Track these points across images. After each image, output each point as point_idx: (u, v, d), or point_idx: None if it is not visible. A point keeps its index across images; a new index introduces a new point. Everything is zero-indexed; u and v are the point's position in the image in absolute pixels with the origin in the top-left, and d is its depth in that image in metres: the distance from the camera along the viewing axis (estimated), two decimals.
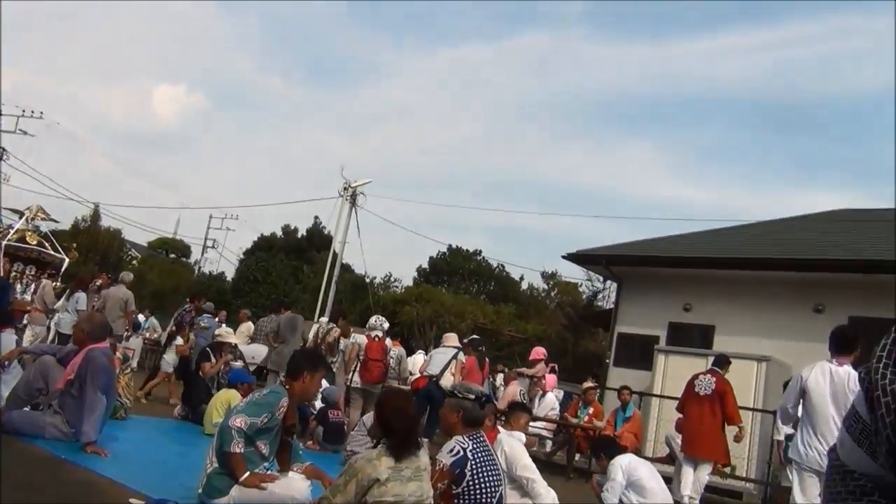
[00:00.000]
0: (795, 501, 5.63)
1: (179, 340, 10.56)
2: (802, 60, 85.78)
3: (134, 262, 40.06)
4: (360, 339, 9.79)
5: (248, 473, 4.21)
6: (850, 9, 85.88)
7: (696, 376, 9.02)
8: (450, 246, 42.82)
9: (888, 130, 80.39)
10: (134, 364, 12.55)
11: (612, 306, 17.52)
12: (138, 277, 35.26)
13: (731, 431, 8.76)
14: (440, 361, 9.11)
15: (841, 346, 5.77)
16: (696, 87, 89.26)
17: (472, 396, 4.51)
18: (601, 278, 27.88)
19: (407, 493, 3.47)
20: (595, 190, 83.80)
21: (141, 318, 16.03)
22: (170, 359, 10.55)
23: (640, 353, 14.47)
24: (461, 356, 9.32)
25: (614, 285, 17.42)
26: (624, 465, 5.90)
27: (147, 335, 15.08)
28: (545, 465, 11.38)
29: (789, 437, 6.34)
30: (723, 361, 9.12)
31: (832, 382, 5.62)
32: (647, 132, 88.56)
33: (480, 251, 43.70)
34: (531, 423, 11.49)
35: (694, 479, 8.59)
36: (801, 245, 13.88)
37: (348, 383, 9.64)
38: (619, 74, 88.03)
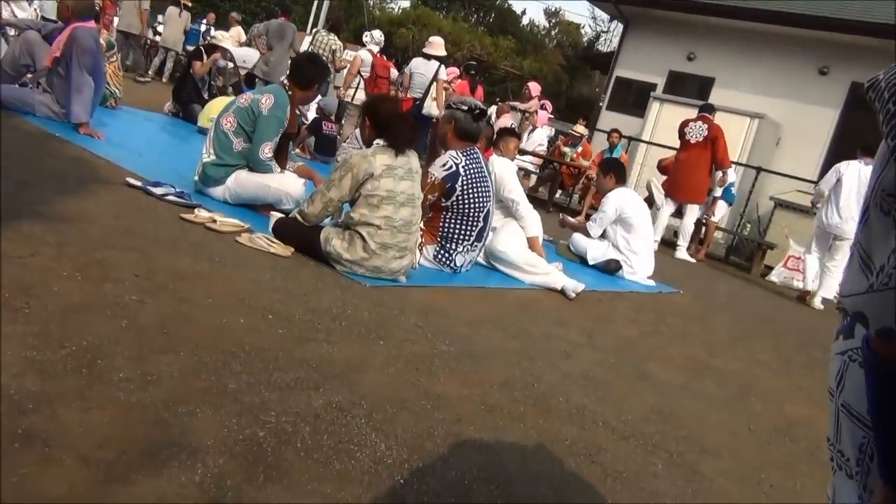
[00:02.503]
0: (808, 253, 7.88)
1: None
2: None
3: None
4: (363, 53, 9.52)
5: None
6: None
7: (686, 123, 9.03)
8: None
9: None
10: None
11: (613, 49, 16.99)
12: None
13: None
14: (421, 82, 8.77)
15: (872, 150, 7.19)
16: None
17: (465, 107, 4.47)
18: (606, 19, 26.70)
19: (399, 189, 3.54)
20: None
21: None
22: None
23: (635, 98, 14.32)
24: (442, 72, 8.93)
25: (618, 29, 16.77)
26: (619, 201, 6.01)
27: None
28: (529, 198, 11.75)
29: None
30: (711, 108, 9.16)
31: (859, 178, 7.27)
32: None
33: None
34: (519, 157, 11.66)
35: (681, 225, 9.03)
36: (813, 2, 13.19)
37: (346, 98, 9.52)
38: None
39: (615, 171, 6.17)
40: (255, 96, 4.41)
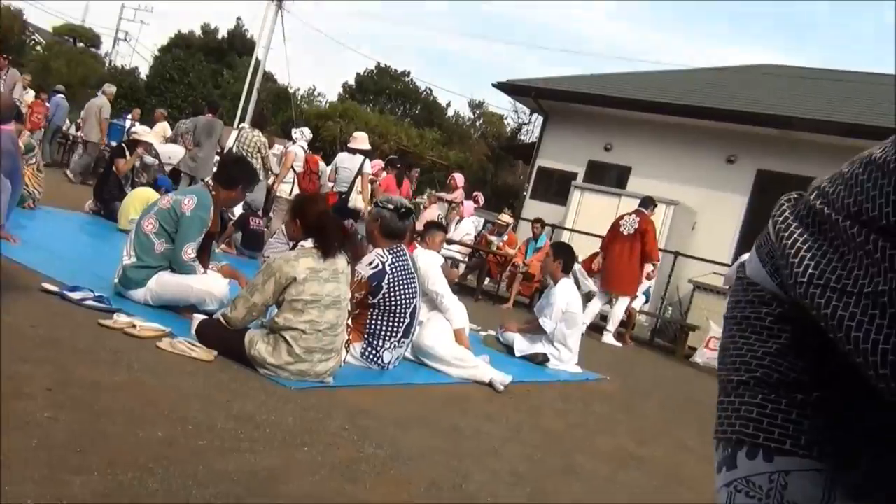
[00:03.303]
0: None
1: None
2: None
3: (38, 47, 37.26)
4: (296, 149, 9.66)
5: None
6: None
7: (622, 217, 9.46)
8: (378, 64, 41.56)
9: None
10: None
11: (535, 140, 17.64)
12: (43, 65, 33.03)
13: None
14: (347, 176, 8.90)
15: None
16: None
17: (392, 207, 4.56)
18: (528, 111, 27.76)
19: (324, 292, 3.55)
20: (534, 21, 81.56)
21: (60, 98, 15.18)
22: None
23: (557, 187, 14.81)
24: (367, 166, 9.10)
25: (539, 119, 17.45)
26: (567, 295, 6.08)
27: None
28: (457, 286, 11.87)
29: None
30: (648, 202, 9.59)
31: None
32: None
33: (409, 72, 42.68)
34: (447, 247, 11.82)
35: (611, 313, 9.30)
36: (721, 95, 14.07)
37: (279, 193, 9.58)
38: None
39: (564, 257, 6.26)
40: (177, 197, 4.41)
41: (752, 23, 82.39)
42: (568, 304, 6.02)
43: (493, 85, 16.12)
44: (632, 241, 9.17)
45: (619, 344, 9.30)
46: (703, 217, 12.96)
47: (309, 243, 3.67)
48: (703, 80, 15.72)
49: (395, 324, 4.34)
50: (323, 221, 3.75)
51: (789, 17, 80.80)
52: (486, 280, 12.04)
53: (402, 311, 4.36)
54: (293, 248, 3.85)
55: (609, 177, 14.14)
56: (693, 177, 13.07)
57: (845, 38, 74.31)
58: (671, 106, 13.43)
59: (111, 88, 13.80)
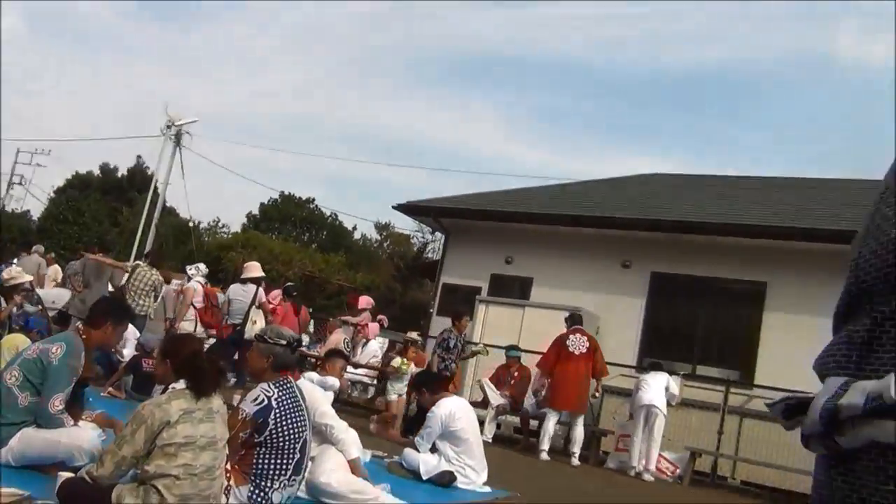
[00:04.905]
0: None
1: None
2: (638, 36, 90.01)
3: None
4: (194, 285, 9.43)
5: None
6: None
7: (566, 336, 9.58)
8: (282, 192, 41.84)
9: (701, 104, 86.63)
10: None
11: (439, 258, 17.86)
12: None
13: None
14: (240, 308, 8.74)
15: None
16: (539, 49, 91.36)
17: (284, 342, 4.43)
18: (431, 230, 28.31)
19: (199, 434, 3.35)
20: (435, 144, 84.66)
21: None
22: None
23: (462, 302, 14.85)
24: (261, 294, 8.97)
25: (443, 237, 17.75)
26: (444, 415, 5.98)
27: None
28: (367, 410, 11.56)
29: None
30: (579, 318, 9.82)
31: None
32: (488, 91, 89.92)
33: (314, 199, 43.08)
34: (353, 370, 11.60)
35: (572, 434, 9.43)
36: (613, 205, 14.71)
37: (180, 331, 9.25)
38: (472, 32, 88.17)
39: (424, 385, 6.27)
40: (44, 346, 4.16)
41: (645, 136, 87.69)
42: (446, 424, 5.91)
43: (394, 207, 16.37)
44: (586, 359, 9.38)
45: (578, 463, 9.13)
46: (605, 321, 13.23)
47: (181, 384, 3.49)
48: (598, 191, 16.45)
49: (285, 461, 4.11)
50: (196, 361, 3.58)
51: (680, 130, 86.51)
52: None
53: (291, 447, 4.14)
54: (163, 391, 3.65)
55: (511, 288, 14.34)
56: (592, 282, 13.40)
57: (725, 145, 79.88)
58: (567, 217, 13.91)
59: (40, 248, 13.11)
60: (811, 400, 0.83)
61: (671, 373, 9.71)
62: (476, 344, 11.27)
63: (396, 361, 11.09)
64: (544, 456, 9.04)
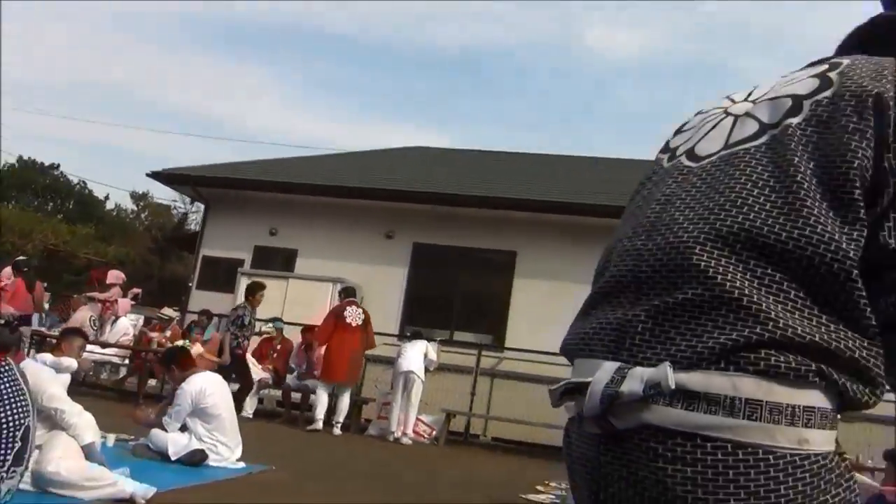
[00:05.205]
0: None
1: None
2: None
3: None
4: None
5: None
6: None
7: (343, 307, 9.51)
8: (20, 157, 37.58)
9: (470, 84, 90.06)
10: None
11: (199, 229, 17.07)
12: None
13: None
14: None
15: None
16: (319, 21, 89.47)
17: (2, 321, 4.02)
18: (191, 200, 26.94)
19: None
20: (204, 111, 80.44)
21: None
22: None
23: (225, 275, 14.36)
24: None
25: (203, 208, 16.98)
26: (194, 392, 5.74)
27: None
28: (118, 392, 10.83)
29: None
30: (353, 291, 9.88)
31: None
32: (264, 60, 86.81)
33: (59, 165, 39.21)
34: (102, 350, 10.81)
35: (337, 404, 9.36)
36: (377, 176, 14.92)
37: None
38: None
39: (172, 362, 6.02)
40: None
41: (415, 107, 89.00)
42: (196, 401, 5.72)
43: (148, 175, 15.32)
44: (361, 331, 9.51)
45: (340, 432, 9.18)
46: (369, 291, 13.44)
47: None
48: (365, 162, 16.55)
49: (2, 452, 3.74)
50: None
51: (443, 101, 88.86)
52: (153, 381, 11.16)
53: (11, 435, 3.76)
54: None
55: (276, 261, 14.09)
56: (356, 253, 13.53)
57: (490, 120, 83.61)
58: (333, 188, 13.88)
59: None
60: (585, 384, 0.88)
61: (430, 339, 10.11)
62: (267, 322, 10.98)
63: (156, 337, 10.58)
64: (318, 426, 9.06)
